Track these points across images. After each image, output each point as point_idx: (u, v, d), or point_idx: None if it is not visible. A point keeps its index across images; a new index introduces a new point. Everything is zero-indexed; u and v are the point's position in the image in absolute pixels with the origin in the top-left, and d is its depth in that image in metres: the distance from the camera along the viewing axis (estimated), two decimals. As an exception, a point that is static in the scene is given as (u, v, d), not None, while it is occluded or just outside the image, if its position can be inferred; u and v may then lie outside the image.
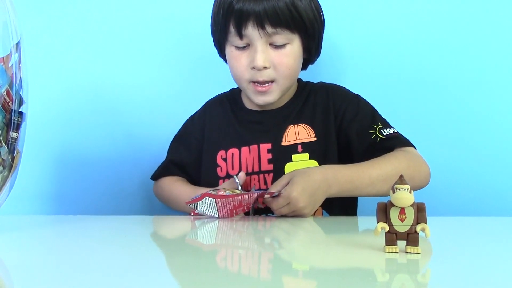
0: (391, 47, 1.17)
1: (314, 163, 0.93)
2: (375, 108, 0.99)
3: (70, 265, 0.47)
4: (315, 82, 1.06)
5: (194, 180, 1.04)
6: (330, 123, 0.96)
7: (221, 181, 0.97)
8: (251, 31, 0.89)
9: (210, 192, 0.80)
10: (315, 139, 0.95)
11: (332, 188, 0.83)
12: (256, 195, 0.80)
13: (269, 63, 0.90)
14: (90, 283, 0.40)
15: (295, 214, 0.82)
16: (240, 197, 0.78)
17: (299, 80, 1.04)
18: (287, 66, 0.92)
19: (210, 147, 1.01)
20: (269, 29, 0.88)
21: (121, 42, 1.21)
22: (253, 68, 0.91)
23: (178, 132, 1.09)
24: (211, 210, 0.78)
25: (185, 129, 1.08)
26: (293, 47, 0.92)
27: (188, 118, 1.09)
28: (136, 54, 1.21)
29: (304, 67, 1.01)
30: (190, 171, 1.04)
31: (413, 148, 0.93)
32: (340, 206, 0.94)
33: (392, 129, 0.94)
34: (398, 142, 0.92)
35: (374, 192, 0.85)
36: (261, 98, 0.94)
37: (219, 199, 0.78)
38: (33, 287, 0.39)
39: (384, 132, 0.92)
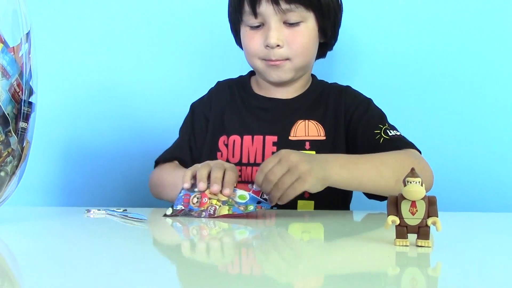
0: (400, 48, 1.17)
1: None
2: (385, 113, 0.96)
3: (76, 256, 0.47)
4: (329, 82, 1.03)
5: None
6: (340, 123, 0.95)
7: None
8: (265, 7, 0.88)
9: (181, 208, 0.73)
10: (324, 138, 0.94)
11: (330, 165, 0.74)
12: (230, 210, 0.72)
13: (282, 41, 0.89)
14: (95, 274, 0.40)
15: (298, 185, 0.70)
16: (203, 213, 0.72)
17: (313, 76, 1.02)
18: (301, 44, 0.90)
19: (213, 130, 0.99)
20: (284, 5, 0.87)
21: (130, 36, 1.21)
22: (267, 46, 0.89)
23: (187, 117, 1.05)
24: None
25: (195, 111, 1.04)
26: (308, 25, 0.90)
27: (196, 100, 1.05)
28: (145, 49, 1.21)
29: (323, 54, 1.00)
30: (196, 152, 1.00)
31: (418, 152, 0.88)
32: (332, 200, 0.90)
33: (398, 132, 0.91)
34: (402, 143, 0.88)
35: (381, 181, 0.78)
36: (274, 73, 0.92)
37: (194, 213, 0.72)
38: (40, 276, 0.39)
39: (390, 133, 0.89)
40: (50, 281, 0.37)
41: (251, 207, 0.72)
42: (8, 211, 0.68)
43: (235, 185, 0.76)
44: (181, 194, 0.75)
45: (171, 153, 1.00)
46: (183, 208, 0.73)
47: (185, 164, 0.98)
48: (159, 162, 1.01)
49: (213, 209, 0.72)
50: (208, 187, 0.74)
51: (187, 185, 0.76)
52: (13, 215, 0.70)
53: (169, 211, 0.74)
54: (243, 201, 0.74)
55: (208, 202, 0.73)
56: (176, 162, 0.99)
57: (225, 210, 0.72)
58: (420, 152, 0.88)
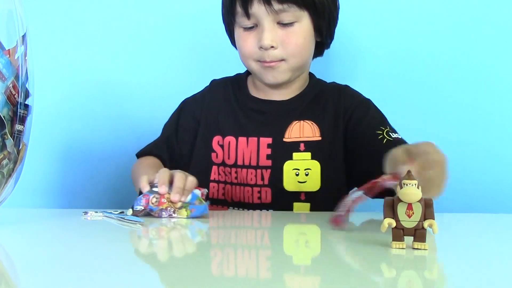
0: (399, 48, 1.17)
1: (316, 163, 0.90)
2: (384, 114, 0.96)
3: (73, 258, 0.47)
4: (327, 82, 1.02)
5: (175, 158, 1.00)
6: (338, 125, 0.93)
7: (214, 167, 0.94)
8: (257, 8, 0.86)
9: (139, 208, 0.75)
10: (319, 138, 0.92)
11: None
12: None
13: (276, 42, 0.87)
14: (92, 276, 0.40)
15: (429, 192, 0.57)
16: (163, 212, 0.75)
17: (312, 75, 1.01)
18: (296, 44, 0.89)
19: (205, 130, 0.98)
20: (276, 5, 0.85)
21: (127, 38, 1.21)
22: (261, 48, 0.88)
23: (176, 111, 1.05)
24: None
25: (184, 108, 1.04)
26: (302, 25, 0.89)
27: (188, 97, 1.05)
28: (142, 50, 1.21)
29: (320, 53, 0.98)
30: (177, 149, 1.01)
31: None
32: (328, 203, 0.88)
33: (399, 135, 0.90)
34: None
35: None
36: (270, 75, 0.91)
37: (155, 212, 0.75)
38: (37, 278, 0.39)
39: (392, 135, 0.88)
40: (47, 283, 0.38)
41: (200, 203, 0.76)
42: (5, 213, 0.68)
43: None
44: (141, 195, 0.76)
45: (149, 149, 1.02)
46: (143, 208, 0.75)
47: (163, 160, 1.00)
48: (138, 156, 1.03)
49: (172, 210, 0.75)
50: (168, 192, 0.75)
51: (147, 189, 0.76)
52: (10, 217, 0.70)
53: (129, 211, 0.75)
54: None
55: (167, 203, 0.75)
56: (153, 158, 1.00)
57: (183, 213, 0.75)
58: None
